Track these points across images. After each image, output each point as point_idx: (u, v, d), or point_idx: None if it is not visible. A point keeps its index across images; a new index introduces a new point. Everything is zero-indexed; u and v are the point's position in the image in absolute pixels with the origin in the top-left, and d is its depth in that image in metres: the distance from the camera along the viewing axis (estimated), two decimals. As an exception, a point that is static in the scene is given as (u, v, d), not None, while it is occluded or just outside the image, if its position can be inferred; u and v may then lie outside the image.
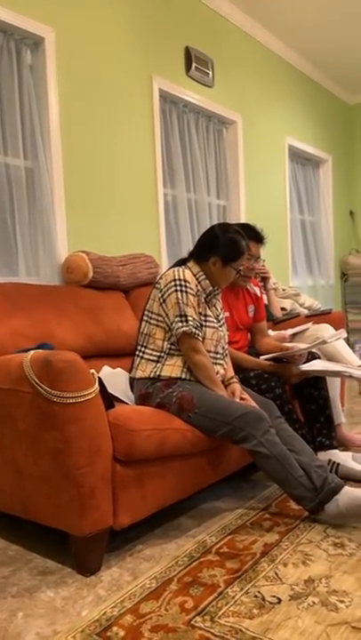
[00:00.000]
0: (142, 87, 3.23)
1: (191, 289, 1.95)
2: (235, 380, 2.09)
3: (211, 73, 3.74)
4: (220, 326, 2.09)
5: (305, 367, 2.26)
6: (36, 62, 2.65)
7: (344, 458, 2.23)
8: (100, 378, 1.66)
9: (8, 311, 2.10)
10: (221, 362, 2.08)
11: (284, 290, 3.64)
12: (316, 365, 2.29)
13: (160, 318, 1.98)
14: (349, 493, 1.75)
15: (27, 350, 1.87)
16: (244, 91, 4.17)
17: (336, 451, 2.27)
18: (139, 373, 2.01)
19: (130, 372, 2.09)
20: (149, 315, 2.02)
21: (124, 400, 2.06)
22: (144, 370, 1.99)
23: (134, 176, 3.17)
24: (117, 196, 3.06)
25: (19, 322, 2.10)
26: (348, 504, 1.73)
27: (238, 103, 4.10)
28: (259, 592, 1.43)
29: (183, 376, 1.96)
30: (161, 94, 3.39)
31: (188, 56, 3.55)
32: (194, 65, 3.56)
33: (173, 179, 3.55)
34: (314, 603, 1.37)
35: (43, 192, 2.61)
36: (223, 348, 2.10)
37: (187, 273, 1.97)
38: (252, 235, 2.33)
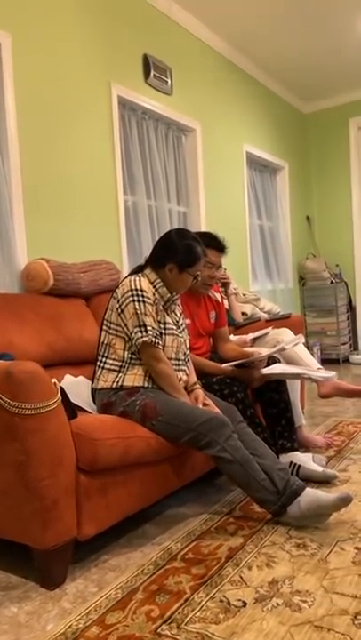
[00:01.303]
0: (101, 94, 3.23)
1: (148, 298, 1.95)
2: (197, 385, 2.11)
3: (169, 81, 3.77)
4: (181, 332, 2.11)
5: (266, 371, 2.30)
6: (-8, 67, 2.60)
7: (305, 460, 2.28)
8: (62, 388, 1.65)
9: (-34, 321, 2.05)
10: (183, 367, 2.09)
11: (244, 295, 3.69)
12: (276, 369, 2.34)
13: (119, 328, 1.98)
14: (310, 494, 1.79)
15: (-14, 361, 1.83)
16: (202, 98, 4.23)
17: (297, 453, 2.32)
18: (100, 384, 2.00)
19: (92, 382, 2.07)
20: (108, 325, 2.01)
21: (87, 409, 2.05)
22: (106, 380, 1.99)
23: (94, 182, 3.15)
24: (77, 202, 3.03)
25: (-23, 332, 2.05)
26: (308, 504, 1.77)
27: (197, 111, 4.15)
28: (224, 596, 1.44)
29: (146, 384, 1.96)
30: (120, 101, 3.39)
31: (147, 63, 3.57)
32: (152, 72, 3.58)
33: (133, 185, 3.56)
34: (278, 604, 1.40)
35: (0, 198, 2.56)
36: (185, 353, 2.12)
37: (143, 282, 1.97)
38: (214, 244, 2.35)
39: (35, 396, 1.50)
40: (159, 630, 1.32)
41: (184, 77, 3.99)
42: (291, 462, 2.24)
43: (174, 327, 2.06)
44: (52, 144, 2.89)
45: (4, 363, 1.56)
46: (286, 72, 5.10)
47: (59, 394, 1.58)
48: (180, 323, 2.14)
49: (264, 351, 2.33)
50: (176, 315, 2.12)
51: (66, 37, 2.99)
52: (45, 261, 2.53)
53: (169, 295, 2.04)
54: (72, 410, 1.74)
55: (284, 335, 2.77)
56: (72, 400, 1.83)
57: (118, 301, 1.97)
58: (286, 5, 3.93)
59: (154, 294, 1.99)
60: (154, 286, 2.01)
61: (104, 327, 2.03)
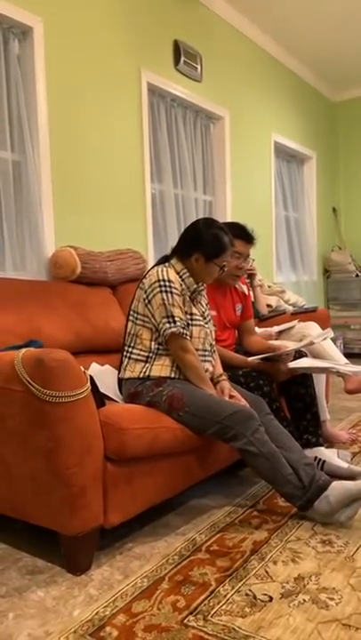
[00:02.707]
0: (131, 80, 3.20)
1: (176, 288, 1.94)
2: (224, 377, 2.10)
3: (199, 67, 3.72)
4: (207, 323, 2.09)
5: (293, 365, 2.28)
6: (24, 52, 2.60)
7: (330, 455, 2.26)
8: (91, 376, 1.65)
9: (-4, 307, 2.07)
10: (210, 359, 2.08)
11: (269, 286, 3.66)
12: (303, 363, 2.32)
13: (146, 319, 1.98)
14: (338, 487, 1.77)
15: (15, 348, 1.84)
16: (231, 86, 4.16)
17: (322, 448, 2.30)
18: (128, 373, 2.00)
19: (118, 372, 2.08)
20: (135, 315, 2.01)
21: (114, 398, 2.06)
22: (133, 370, 1.99)
23: (122, 170, 3.14)
24: (105, 189, 3.02)
25: (7, 318, 2.07)
26: (337, 497, 1.75)
27: (226, 98, 4.09)
28: (250, 590, 1.44)
29: (172, 375, 1.96)
30: (149, 87, 3.35)
31: (177, 49, 3.52)
32: (182, 59, 3.53)
33: (160, 174, 3.53)
34: (304, 600, 1.39)
35: (30, 186, 2.56)
36: (211, 344, 2.10)
37: (170, 272, 1.95)
38: (243, 234, 2.32)
39: (65, 384, 1.51)
40: (186, 621, 1.32)
41: (214, 64, 3.93)
42: (316, 457, 2.22)
43: (200, 318, 2.05)
44: (81, 131, 2.88)
45: (35, 350, 1.57)
46: (318, 60, 4.99)
47: (88, 382, 1.59)
48: (207, 314, 2.12)
49: (292, 345, 2.30)
50: (202, 305, 2.11)
51: (97, 23, 2.96)
52: (73, 249, 2.53)
53: (195, 286, 2.03)
54: (101, 399, 1.74)
55: (311, 329, 2.73)
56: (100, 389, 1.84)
57: (145, 292, 1.96)
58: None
59: (181, 285, 1.98)
60: (180, 276, 2.00)
61: (130, 317, 2.03)
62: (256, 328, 2.74)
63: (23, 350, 1.57)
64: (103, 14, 3.00)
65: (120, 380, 2.05)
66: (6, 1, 2.44)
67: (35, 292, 2.29)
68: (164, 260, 2.07)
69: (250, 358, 2.27)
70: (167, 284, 1.92)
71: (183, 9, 3.61)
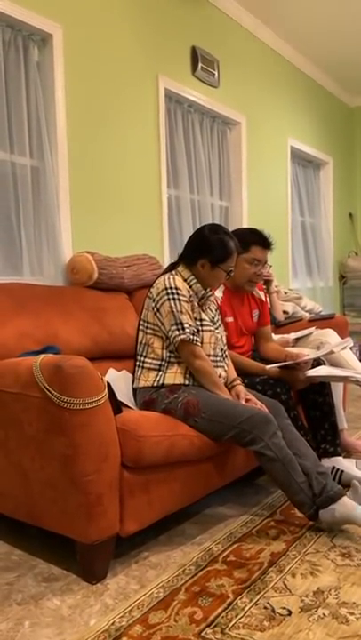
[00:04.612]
0: (148, 86, 3.20)
1: (183, 295, 1.93)
2: (238, 381, 2.08)
3: (216, 73, 3.72)
4: (217, 328, 2.08)
5: (311, 373, 2.25)
6: (44, 59, 2.61)
7: (348, 465, 2.23)
8: (108, 383, 1.65)
9: (15, 311, 2.08)
10: (222, 364, 2.06)
11: (286, 293, 3.63)
12: (322, 371, 2.29)
13: (156, 327, 1.97)
14: (348, 505, 1.73)
15: (33, 353, 1.85)
16: (248, 91, 4.15)
17: (340, 458, 2.27)
18: (142, 383, 1.99)
19: (132, 382, 2.07)
20: (145, 324, 2.00)
21: (130, 405, 2.04)
22: (146, 379, 1.98)
23: (139, 176, 3.14)
24: (122, 195, 3.03)
25: (25, 322, 2.07)
26: (343, 515, 1.73)
27: (243, 104, 4.08)
28: (268, 603, 1.42)
29: (186, 382, 1.95)
30: (167, 94, 3.36)
31: (195, 56, 3.53)
32: (200, 65, 3.54)
33: (177, 179, 3.53)
34: (324, 615, 1.36)
35: (48, 191, 2.58)
36: (222, 349, 2.09)
37: (177, 279, 1.95)
38: (260, 240, 2.31)
39: (83, 390, 1.50)
40: (203, 634, 1.30)
41: (231, 69, 3.93)
42: (333, 467, 2.19)
43: (210, 324, 2.04)
44: (99, 137, 2.89)
45: (54, 356, 1.56)
46: (335, 64, 4.96)
47: (106, 389, 1.58)
48: (216, 319, 2.11)
49: (311, 353, 2.27)
50: (211, 311, 2.10)
51: (115, 30, 2.97)
52: (90, 255, 2.53)
53: (203, 291, 2.02)
54: (117, 405, 1.73)
55: (329, 336, 2.70)
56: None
57: (154, 300, 1.96)
58: (339, -5, 3.81)
59: (188, 291, 1.97)
60: (188, 283, 1.99)
61: (141, 327, 2.02)
62: (273, 335, 2.72)
63: (41, 356, 1.57)
64: (122, 21, 3.01)
65: (134, 390, 2.04)
66: (26, 8, 2.46)
67: (52, 297, 2.29)
68: (171, 268, 2.06)
69: (268, 366, 2.24)
70: (174, 291, 1.92)
71: (201, 15, 3.61)
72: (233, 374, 2.11)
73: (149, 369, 1.99)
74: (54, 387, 1.49)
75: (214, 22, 3.75)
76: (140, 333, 2.03)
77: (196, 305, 2.00)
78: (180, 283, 1.94)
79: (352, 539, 1.75)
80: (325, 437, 2.30)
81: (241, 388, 2.05)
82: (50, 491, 1.59)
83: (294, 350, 2.43)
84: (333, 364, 2.51)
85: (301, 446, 1.92)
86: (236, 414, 1.82)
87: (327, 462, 2.23)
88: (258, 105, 4.28)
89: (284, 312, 3.35)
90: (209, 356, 1.99)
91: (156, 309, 1.95)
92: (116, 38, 2.98)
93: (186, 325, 1.90)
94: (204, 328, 2.00)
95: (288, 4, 3.91)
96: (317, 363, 2.39)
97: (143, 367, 2.00)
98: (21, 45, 2.50)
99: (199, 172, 3.68)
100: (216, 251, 1.97)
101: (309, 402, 2.37)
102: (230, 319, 2.36)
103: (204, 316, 2.02)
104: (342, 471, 2.17)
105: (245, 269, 2.31)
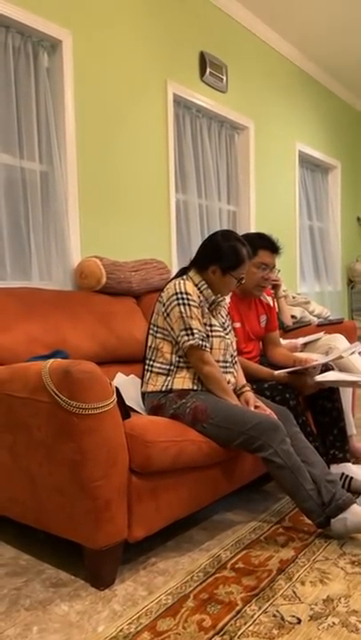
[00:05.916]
0: (157, 91, 3.22)
1: (194, 301, 1.92)
2: (247, 388, 2.07)
3: (225, 78, 3.72)
4: (227, 334, 2.07)
5: (320, 378, 2.23)
6: (53, 65, 2.63)
7: (357, 471, 2.21)
8: (117, 388, 1.64)
9: (24, 316, 2.08)
10: (231, 370, 2.05)
11: (294, 297, 3.61)
12: (330, 376, 2.27)
13: (166, 332, 1.97)
14: (357, 515, 1.72)
15: (41, 358, 1.85)
16: (256, 96, 4.16)
17: (349, 464, 2.25)
18: (150, 387, 1.99)
19: (140, 386, 2.07)
20: (155, 328, 2.00)
21: (138, 410, 2.04)
22: (155, 383, 1.98)
23: (147, 180, 3.15)
24: (130, 200, 3.04)
25: (34, 327, 2.08)
26: (354, 523, 1.71)
27: (251, 108, 4.08)
28: (277, 611, 1.41)
29: (195, 387, 1.94)
30: (175, 99, 3.37)
31: (203, 61, 3.54)
32: (208, 70, 3.55)
33: (185, 184, 3.53)
34: (334, 623, 1.35)
35: (57, 196, 2.59)
36: (232, 355, 2.08)
37: (188, 285, 1.94)
38: (269, 245, 2.30)
39: (92, 395, 1.50)
40: (212, 642, 1.29)
41: (239, 75, 3.94)
42: (342, 473, 2.17)
43: (220, 329, 2.03)
44: (108, 142, 2.90)
45: (63, 361, 1.56)
46: (342, 68, 4.96)
47: (114, 394, 1.58)
48: (227, 325, 2.10)
49: (320, 358, 2.26)
50: (222, 316, 2.09)
51: (124, 35, 2.99)
52: (99, 259, 2.54)
53: (214, 297, 2.01)
54: (126, 410, 1.73)
55: (338, 342, 2.69)
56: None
57: (164, 305, 1.96)
58: (346, 2, 3.81)
59: (199, 297, 1.96)
60: (198, 288, 1.99)
61: (150, 331, 2.02)
62: (281, 339, 2.71)
63: (50, 361, 1.57)
64: (130, 27, 3.03)
65: (143, 394, 2.04)
66: (36, 14, 2.48)
67: (60, 301, 2.30)
68: (182, 273, 2.06)
69: (276, 372, 2.23)
70: (185, 296, 1.91)
71: (209, 20, 3.62)
72: (242, 380, 2.10)
73: (158, 373, 1.98)
74: (63, 391, 1.49)
75: (223, 27, 3.76)
76: (150, 337, 2.02)
77: (207, 310, 2.00)
78: (190, 288, 1.94)
79: (362, 546, 1.74)
80: (334, 443, 2.29)
81: (250, 395, 2.04)
82: (58, 496, 1.58)
83: (303, 355, 2.42)
84: (342, 370, 2.50)
85: (310, 454, 1.91)
86: (245, 420, 1.81)
87: (336, 468, 2.22)
88: (266, 109, 4.28)
89: (293, 317, 3.33)
90: (218, 361, 1.98)
91: (165, 314, 1.95)
92: (124, 44, 2.99)
93: (195, 331, 1.90)
94: (214, 334, 1.99)
95: (296, 10, 3.92)
96: (326, 368, 2.38)
97: (152, 371, 2.00)
98: (31, 51, 2.52)
99: (207, 177, 3.68)
100: (228, 258, 1.96)
101: (318, 407, 2.36)
102: (238, 324, 2.35)
103: (214, 321, 2.01)
104: (351, 477, 2.15)
105: (254, 274, 2.30)
